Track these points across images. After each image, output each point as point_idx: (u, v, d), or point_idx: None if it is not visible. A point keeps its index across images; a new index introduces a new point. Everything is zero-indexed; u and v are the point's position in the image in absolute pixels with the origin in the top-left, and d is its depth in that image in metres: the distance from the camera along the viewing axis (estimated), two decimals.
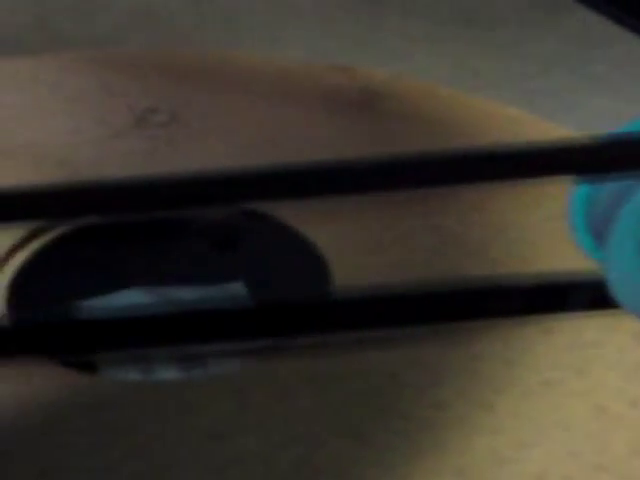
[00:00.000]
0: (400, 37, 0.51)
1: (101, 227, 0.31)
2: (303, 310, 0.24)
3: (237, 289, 0.33)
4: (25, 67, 0.40)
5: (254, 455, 0.23)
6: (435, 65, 0.49)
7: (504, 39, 0.51)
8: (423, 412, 0.23)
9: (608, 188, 0.24)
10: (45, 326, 0.24)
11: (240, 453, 0.23)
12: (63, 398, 0.24)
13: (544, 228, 0.29)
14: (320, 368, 0.25)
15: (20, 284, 0.29)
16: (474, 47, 0.50)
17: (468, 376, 0.24)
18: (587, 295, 0.23)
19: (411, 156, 0.23)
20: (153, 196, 0.24)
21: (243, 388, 0.24)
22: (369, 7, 0.54)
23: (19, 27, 0.51)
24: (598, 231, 0.24)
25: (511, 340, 0.25)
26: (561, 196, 0.31)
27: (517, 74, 0.48)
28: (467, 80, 0.48)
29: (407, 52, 0.50)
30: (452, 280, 0.28)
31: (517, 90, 0.47)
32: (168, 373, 0.29)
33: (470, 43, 0.51)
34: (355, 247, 0.29)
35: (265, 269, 0.32)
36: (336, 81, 0.39)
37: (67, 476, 0.22)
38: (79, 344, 0.24)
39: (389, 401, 0.24)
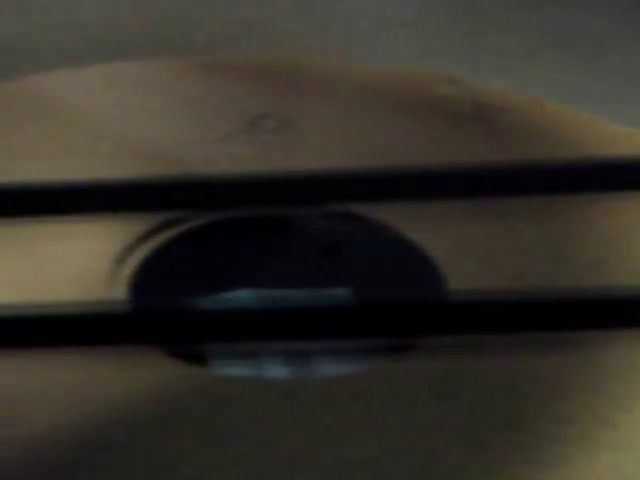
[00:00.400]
0: (500, 53, 0.51)
1: (218, 228, 0.31)
2: (418, 310, 0.24)
3: (343, 295, 0.32)
4: (141, 71, 0.40)
5: (371, 461, 0.22)
6: (534, 81, 0.48)
7: (604, 58, 0.50)
8: (547, 426, 0.23)
9: None
10: (159, 315, 0.24)
11: (357, 458, 0.22)
12: (179, 390, 0.24)
13: None
14: (442, 378, 0.24)
15: (142, 275, 0.29)
16: (573, 65, 0.50)
17: (593, 391, 0.24)
18: None
19: (532, 164, 0.22)
20: (265, 192, 0.23)
21: (363, 392, 0.24)
22: (470, 23, 0.53)
23: (129, 33, 0.51)
24: None
25: (636, 358, 0.25)
26: None
27: (620, 95, 0.47)
28: (565, 97, 0.47)
29: (506, 68, 0.49)
30: (574, 290, 0.27)
31: (622, 111, 0.46)
32: (276, 371, 0.29)
33: (569, 61, 0.50)
34: (469, 257, 0.29)
35: (372, 275, 0.32)
36: (446, 92, 0.39)
37: (191, 469, 0.22)
38: (192, 334, 0.24)
39: (512, 414, 0.23)
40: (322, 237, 0.33)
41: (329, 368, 0.29)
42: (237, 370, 0.29)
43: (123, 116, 0.37)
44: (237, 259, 0.32)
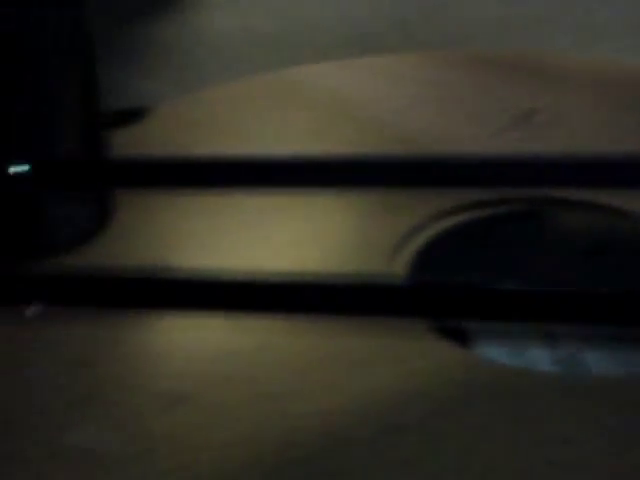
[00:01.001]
0: None
1: (503, 219, 0.31)
2: None
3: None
4: (405, 64, 0.41)
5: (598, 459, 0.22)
6: None
7: None
8: None
9: None
10: (433, 290, 0.24)
11: (583, 458, 0.22)
12: (456, 376, 0.25)
13: None
14: None
15: (425, 254, 0.30)
16: None
17: None
18: None
19: None
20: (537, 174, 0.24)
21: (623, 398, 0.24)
22: None
23: (379, 28, 0.52)
24: None
25: None
26: None
27: None
28: None
29: None
30: None
31: None
32: (540, 359, 0.29)
33: None
34: None
35: (636, 276, 0.32)
36: None
37: (482, 458, 0.22)
38: (464, 312, 0.24)
39: None
40: (585, 235, 0.33)
41: (598, 364, 0.29)
42: (500, 353, 0.29)
43: (394, 108, 0.38)
44: (504, 255, 0.32)
